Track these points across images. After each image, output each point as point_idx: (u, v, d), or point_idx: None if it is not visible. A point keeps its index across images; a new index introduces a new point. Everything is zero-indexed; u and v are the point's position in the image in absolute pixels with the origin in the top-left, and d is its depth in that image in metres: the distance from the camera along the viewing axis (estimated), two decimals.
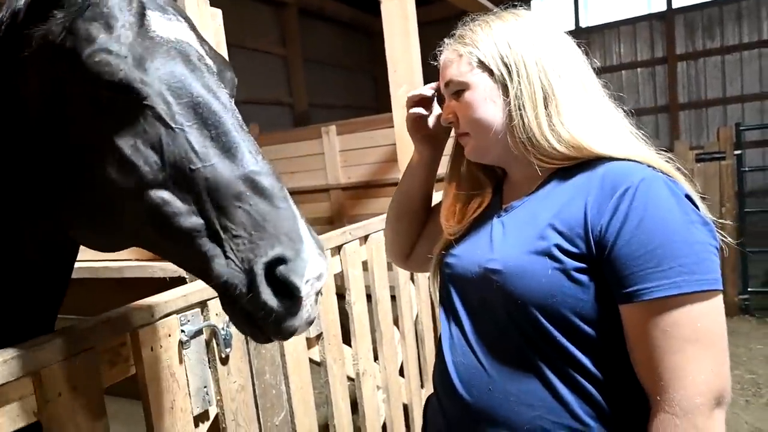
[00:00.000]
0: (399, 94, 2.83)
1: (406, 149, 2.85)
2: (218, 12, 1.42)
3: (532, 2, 10.60)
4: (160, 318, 1.15)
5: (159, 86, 0.79)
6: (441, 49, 1.10)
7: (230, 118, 0.82)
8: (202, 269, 0.78)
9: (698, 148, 5.53)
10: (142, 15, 0.83)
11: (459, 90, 1.04)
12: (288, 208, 0.77)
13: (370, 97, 10.69)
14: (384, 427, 2.29)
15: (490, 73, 1.01)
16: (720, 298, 0.84)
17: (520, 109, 0.97)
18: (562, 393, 0.90)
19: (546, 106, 0.96)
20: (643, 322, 0.84)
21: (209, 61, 0.87)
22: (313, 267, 0.74)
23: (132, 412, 1.15)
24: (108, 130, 0.80)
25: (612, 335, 0.90)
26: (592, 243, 0.88)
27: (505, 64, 1.00)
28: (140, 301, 1.14)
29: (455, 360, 1.02)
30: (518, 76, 0.98)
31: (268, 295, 0.73)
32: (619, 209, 0.86)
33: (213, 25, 1.41)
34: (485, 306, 0.99)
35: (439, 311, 1.14)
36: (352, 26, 10.19)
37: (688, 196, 0.88)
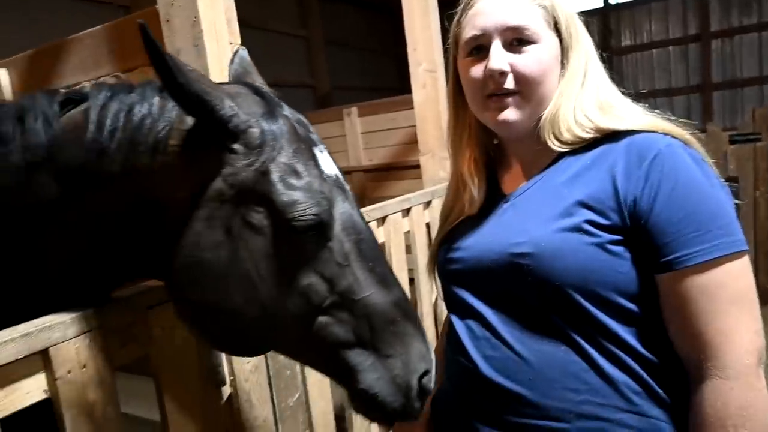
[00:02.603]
0: (419, 73, 2.77)
1: (426, 130, 2.81)
2: None
3: None
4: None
5: (338, 227, 0.88)
6: None
7: (378, 250, 0.93)
8: (346, 376, 0.92)
9: (732, 130, 5.33)
10: (314, 155, 0.90)
11: (522, 41, 0.93)
12: (421, 327, 0.93)
13: (394, 79, 10.59)
14: None
15: (560, 37, 0.95)
16: (748, 257, 0.84)
17: (565, 86, 0.94)
18: (608, 372, 0.87)
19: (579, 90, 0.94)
20: (685, 289, 0.82)
21: (348, 189, 0.95)
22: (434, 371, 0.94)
23: (152, 390, 1.15)
24: (282, 260, 0.85)
25: (650, 308, 0.87)
26: (626, 214, 0.85)
27: (570, 33, 0.95)
28: (151, 281, 1.14)
29: (485, 354, 0.96)
30: (576, 51, 0.95)
31: (417, 403, 0.92)
32: (650, 177, 0.84)
33: (224, 1, 1.38)
34: (510, 294, 0.94)
35: (445, 310, 1.08)
36: (374, 6, 10.07)
37: (703, 160, 0.88)
